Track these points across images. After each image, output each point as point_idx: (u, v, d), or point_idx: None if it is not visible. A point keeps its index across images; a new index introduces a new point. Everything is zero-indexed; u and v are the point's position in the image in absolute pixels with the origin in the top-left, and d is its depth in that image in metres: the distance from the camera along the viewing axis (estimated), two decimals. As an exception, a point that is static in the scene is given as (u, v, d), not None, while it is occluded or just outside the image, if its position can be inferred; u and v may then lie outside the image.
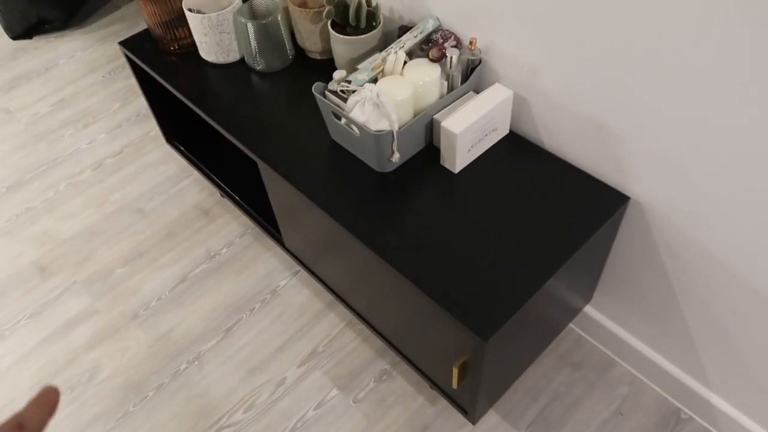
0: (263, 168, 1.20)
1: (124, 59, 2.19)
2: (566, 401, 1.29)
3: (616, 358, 1.34)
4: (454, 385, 1.05)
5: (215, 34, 1.28)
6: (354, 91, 1.06)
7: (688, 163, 0.92)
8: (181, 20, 1.34)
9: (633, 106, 0.93)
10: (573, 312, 1.28)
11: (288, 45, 1.31)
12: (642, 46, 0.86)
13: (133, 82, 2.11)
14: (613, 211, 1.03)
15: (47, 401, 0.38)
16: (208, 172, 1.60)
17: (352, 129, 1.09)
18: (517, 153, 1.13)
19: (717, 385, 1.16)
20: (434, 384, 1.20)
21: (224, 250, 1.62)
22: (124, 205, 1.74)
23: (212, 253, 1.61)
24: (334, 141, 1.18)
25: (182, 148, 1.67)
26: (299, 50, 1.37)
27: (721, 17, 0.75)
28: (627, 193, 1.05)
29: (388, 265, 1.00)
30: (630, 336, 1.27)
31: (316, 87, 1.11)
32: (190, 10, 1.29)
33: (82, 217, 1.72)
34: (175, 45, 1.39)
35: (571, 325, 1.40)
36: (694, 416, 1.24)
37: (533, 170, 1.10)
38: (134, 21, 2.37)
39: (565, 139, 1.09)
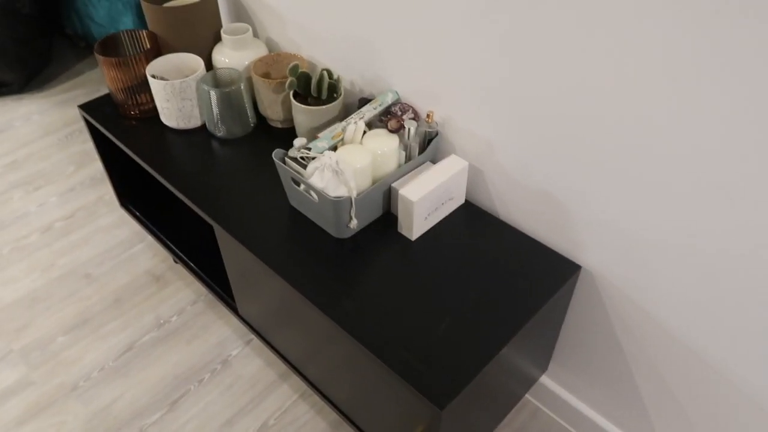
0: (219, 232, 1.19)
1: (81, 123, 2.18)
2: (524, 476, 1.26)
3: (573, 430, 1.33)
4: (410, 458, 1.02)
5: (177, 101, 1.29)
6: (314, 158, 1.08)
7: (635, 232, 0.96)
8: (143, 86, 1.35)
9: (580, 178, 0.98)
10: (529, 382, 1.28)
11: (250, 113, 1.33)
12: (590, 120, 0.91)
13: (89, 146, 2.09)
14: (565, 280, 1.05)
15: None
16: (162, 237, 1.57)
17: (311, 195, 1.10)
18: (473, 222, 1.15)
19: (671, 458, 1.16)
20: (389, 458, 1.16)
21: (174, 318, 1.57)
22: (71, 270, 1.68)
23: (162, 321, 1.56)
24: (293, 207, 1.19)
25: (136, 212, 1.64)
26: (261, 118, 1.39)
27: (661, 81, 0.81)
28: (579, 263, 1.08)
29: (344, 332, 0.98)
30: (585, 406, 1.27)
31: (276, 153, 1.12)
32: (153, 76, 1.30)
33: (26, 282, 1.65)
34: (136, 110, 1.39)
35: (528, 396, 1.39)
36: (651, 491, 1.23)
37: (488, 239, 1.12)
38: (95, 87, 2.37)
39: (519, 209, 1.12)
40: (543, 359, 1.24)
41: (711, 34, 0.72)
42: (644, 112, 0.83)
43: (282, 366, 1.46)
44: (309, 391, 1.41)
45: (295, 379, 1.43)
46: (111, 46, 1.39)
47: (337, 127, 1.13)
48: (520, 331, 0.98)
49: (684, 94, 0.78)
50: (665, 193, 0.88)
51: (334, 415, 1.36)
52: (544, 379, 1.32)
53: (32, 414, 1.36)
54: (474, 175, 1.16)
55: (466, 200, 1.19)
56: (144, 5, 1.34)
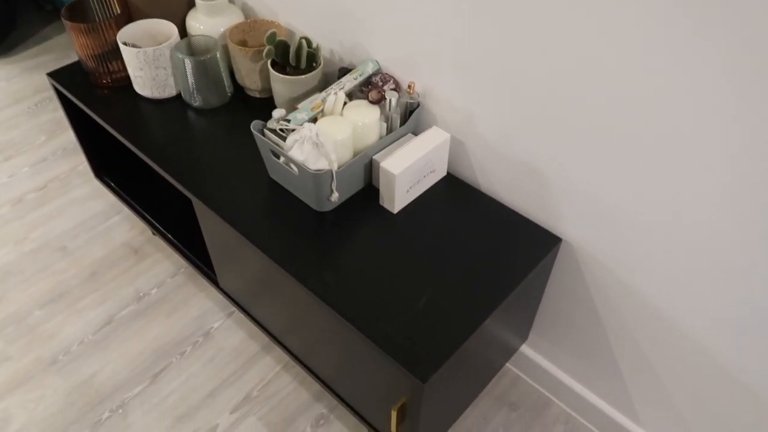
0: (198, 205, 1.17)
1: (51, 91, 2.11)
2: (503, 442, 1.29)
3: (552, 397, 1.35)
4: (393, 429, 1.03)
5: (151, 69, 1.25)
6: (293, 130, 1.06)
7: (614, 205, 0.96)
8: (115, 53, 1.31)
9: (561, 150, 0.97)
10: (510, 351, 1.29)
11: (227, 82, 1.30)
12: (569, 92, 0.90)
13: (60, 114, 2.03)
14: (546, 252, 1.05)
15: None
16: (139, 209, 1.54)
17: (290, 168, 1.08)
18: (455, 194, 1.15)
19: (645, 421, 1.19)
20: (373, 428, 1.18)
21: (154, 291, 1.55)
22: (45, 243, 1.65)
23: (141, 294, 1.54)
24: (272, 179, 1.17)
25: (112, 183, 1.60)
26: (238, 87, 1.35)
27: (641, 53, 0.80)
28: (560, 235, 1.08)
29: (325, 305, 0.98)
30: (564, 375, 1.30)
31: (254, 125, 1.10)
32: (125, 43, 1.26)
33: (-2, 255, 1.62)
34: (108, 78, 1.35)
35: (508, 365, 1.41)
36: (626, 453, 1.27)
37: (470, 212, 1.12)
38: (64, 53, 2.29)
39: (501, 181, 1.12)
40: (524, 329, 1.26)
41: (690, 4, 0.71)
42: (625, 84, 0.82)
43: (264, 338, 1.46)
44: (291, 362, 1.41)
45: (278, 351, 1.43)
46: (79, 11, 1.34)
47: (317, 98, 1.11)
48: (502, 303, 0.98)
49: (664, 67, 0.77)
50: (645, 166, 0.88)
51: (316, 386, 1.37)
52: (524, 348, 1.34)
53: (10, 388, 1.35)
54: (456, 147, 1.15)
55: (447, 172, 1.19)
56: (113, -32, 1.28)
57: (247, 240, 1.07)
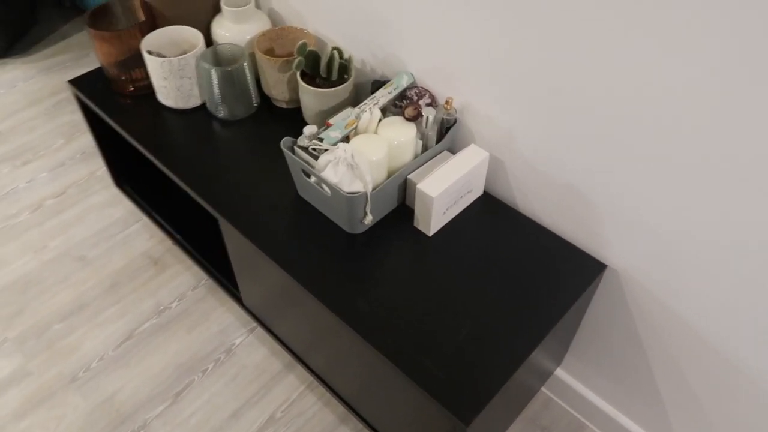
0: (224, 224, 1.12)
1: (69, 92, 2.07)
2: (537, 470, 1.24)
3: (586, 422, 1.30)
4: (428, 463, 0.98)
5: (176, 79, 1.20)
6: (326, 150, 1.01)
7: (663, 229, 0.90)
8: (138, 60, 1.26)
9: (607, 171, 0.91)
10: (546, 376, 1.24)
11: (253, 92, 1.25)
12: (617, 114, 0.84)
13: (78, 117, 1.99)
14: (590, 281, 1.00)
15: None
16: (159, 219, 1.50)
17: (322, 188, 1.03)
18: (492, 216, 1.09)
19: (689, 455, 1.14)
20: (402, 457, 1.13)
21: (175, 304, 1.51)
22: (64, 252, 1.61)
23: (161, 307, 1.50)
24: (301, 197, 1.12)
25: (132, 191, 1.56)
26: (264, 97, 1.30)
27: (701, 74, 0.74)
28: (603, 261, 1.03)
29: (358, 336, 0.93)
30: (598, 398, 1.24)
31: (284, 142, 1.05)
32: (149, 52, 1.21)
33: (18, 264, 1.58)
34: (131, 86, 1.30)
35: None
36: (666, 485, 1.21)
37: (509, 234, 1.06)
38: (82, 52, 2.25)
39: (541, 203, 1.06)
40: (560, 353, 1.21)
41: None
42: (678, 105, 0.76)
43: (287, 356, 1.41)
44: (315, 382, 1.37)
45: (301, 370, 1.39)
46: (102, 17, 1.29)
47: (350, 114, 1.06)
48: (547, 336, 0.93)
49: (726, 89, 0.71)
50: (696, 189, 0.82)
51: (342, 408, 1.33)
52: (558, 371, 1.29)
53: (31, 407, 1.32)
54: (493, 165, 1.09)
55: (484, 191, 1.13)
56: (136, -27, 1.23)
57: (276, 263, 1.02)
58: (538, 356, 0.99)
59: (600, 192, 0.95)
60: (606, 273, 1.04)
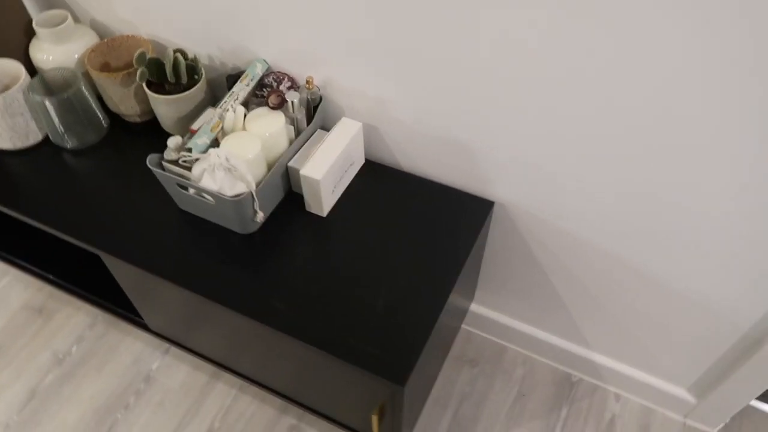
0: (107, 258, 1.06)
1: None
2: (473, 399, 1.33)
3: (506, 344, 1.41)
4: (375, 431, 1.02)
5: (6, 119, 1.08)
6: (197, 159, 0.96)
7: (535, 164, 0.97)
8: (-47, 107, 1.12)
9: (478, 118, 0.96)
10: (463, 315, 1.32)
11: (100, 113, 1.15)
12: (470, 66, 0.88)
13: None
14: (483, 219, 1.06)
15: None
16: (31, 267, 1.38)
17: (205, 198, 0.99)
18: (379, 181, 1.12)
19: (596, 345, 1.27)
20: (349, 428, 1.17)
21: (74, 348, 1.41)
22: (-72, 330, 1.44)
23: (60, 355, 1.40)
24: (183, 210, 1.07)
25: (-11, 246, 1.41)
26: (113, 115, 1.21)
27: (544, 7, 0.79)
28: (490, 198, 1.09)
29: (281, 333, 0.93)
30: (513, 320, 1.35)
31: (150, 160, 0.99)
32: (-36, 95, 1.07)
33: None
34: (-47, 136, 1.15)
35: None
36: (583, 376, 1.36)
37: (399, 195, 1.09)
38: None
39: (422, 158, 1.10)
40: (471, 291, 1.28)
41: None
42: (527, 43, 0.81)
43: (210, 366, 1.38)
44: (246, 383, 1.35)
45: (229, 376, 1.37)
46: None
47: (213, 116, 1.01)
48: (457, 281, 0.98)
49: (564, 16, 0.77)
50: (555, 120, 0.89)
51: (279, 401, 1.33)
52: (473, 306, 1.37)
53: (-58, 505, 1.20)
54: (370, 133, 1.11)
55: (366, 159, 1.15)
56: None
57: (175, 284, 0.98)
58: (453, 300, 1.05)
59: (472, 137, 1.00)
60: (495, 209, 1.11)
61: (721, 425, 1.27)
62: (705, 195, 0.87)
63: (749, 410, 1.29)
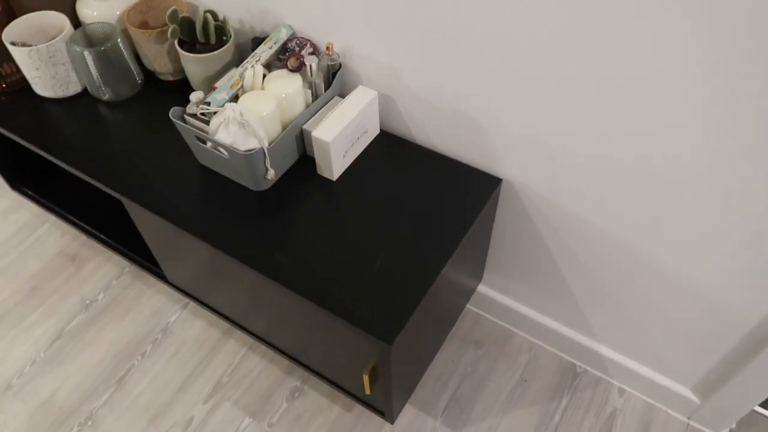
0: (129, 205, 1.12)
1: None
2: (474, 380, 1.33)
3: (513, 329, 1.41)
4: (367, 391, 1.05)
5: (48, 67, 1.16)
6: (215, 113, 1.01)
7: (544, 142, 0.97)
8: (3, 55, 1.20)
9: (489, 93, 0.97)
10: (468, 294, 1.33)
11: (135, 69, 1.22)
12: (489, 35, 0.89)
13: (-41, 125, 1.87)
14: (489, 195, 1.07)
15: None
16: (68, 215, 1.47)
17: (220, 152, 1.04)
18: (391, 151, 1.14)
19: (602, 336, 1.26)
20: (348, 393, 1.19)
21: (101, 296, 1.50)
22: (-28, 266, 1.55)
23: (88, 301, 1.49)
24: (203, 165, 1.12)
25: (32, 193, 1.51)
26: (148, 73, 1.28)
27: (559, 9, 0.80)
28: (498, 175, 1.10)
29: (280, 286, 0.97)
30: (521, 305, 1.34)
31: (173, 112, 1.04)
32: (13, 43, 1.16)
33: (-77, 288, 1.51)
34: (2, 84, 1.24)
35: (467, 305, 1.45)
36: (588, 368, 1.34)
37: (409, 166, 1.11)
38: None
39: (434, 131, 1.11)
40: (478, 270, 1.29)
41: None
42: (543, 19, 0.82)
43: (224, 324, 1.44)
44: (257, 343, 1.40)
45: (241, 334, 1.42)
46: (-46, 14, 1.21)
47: (234, 74, 1.06)
48: (454, 252, 0.99)
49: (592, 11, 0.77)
50: (569, 101, 0.88)
51: (286, 362, 1.37)
52: (481, 288, 1.38)
53: (-32, 424, 1.30)
54: (385, 103, 1.13)
55: (381, 130, 1.17)
56: (-18, -39, 1.16)
57: (188, 233, 1.03)
58: (452, 272, 1.06)
59: (483, 112, 1.01)
60: (503, 186, 1.11)
61: (726, 430, 1.23)
62: (720, 187, 0.85)
63: (756, 417, 1.25)
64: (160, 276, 1.37)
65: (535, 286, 1.27)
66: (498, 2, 0.84)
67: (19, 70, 1.24)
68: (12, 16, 1.19)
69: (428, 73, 1.01)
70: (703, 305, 1.03)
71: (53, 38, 1.17)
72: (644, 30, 0.75)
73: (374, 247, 1.00)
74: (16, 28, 1.17)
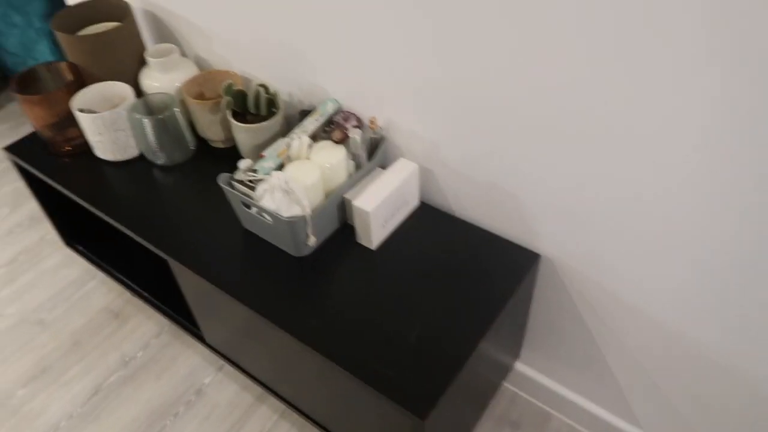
0: (174, 264, 1.15)
1: (8, 162, 2.07)
2: (510, 462, 1.28)
3: (552, 411, 1.35)
4: (398, 467, 1.01)
5: (110, 133, 1.23)
6: (261, 180, 1.05)
7: (585, 217, 0.97)
8: (71, 120, 1.29)
9: (527, 167, 0.98)
10: (505, 371, 1.29)
11: (188, 136, 1.29)
12: (524, 112, 0.91)
13: (21, 184, 1.99)
14: (527, 270, 1.06)
15: None
16: (115, 272, 1.52)
17: (264, 217, 1.07)
18: (430, 223, 1.15)
19: (645, 424, 1.19)
20: (377, 467, 1.16)
21: (140, 354, 1.52)
22: (22, 318, 1.60)
23: (127, 358, 1.51)
24: (247, 230, 1.16)
25: (83, 249, 1.57)
26: (201, 140, 1.34)
27: (604, 69, 0.81)
28: (537, 251, 1.09)
29: (314, 351, 0.97)
30: (560, 386, 1.30)
31: (221, 178, 1.09)
32: (80, 110, 1.24)
33: (-26, 337, 1.57)
34: (67, 146, 1.33)
35: (505, 383, 1.41)
36: (632, 457, 1.27)
37: (447, 238, 1.12)
38: (19, 120, 2.25)
39: (473, 205, 1.12)
40: (515, 347, 1.26)
41: None
42: (581, 100, 0.83)
43: (258, 388, 1.43)
44: (288, 410, 1.39)
45: (273, 400, 1.41)
46: (30, 81, 1.32)
47: (281, 144, 1.10)
48: (491, 328, 0.98)
49: (620, 70, 0.78)
50: (611, 181, 0.89)
51: (316, 430, 1.35)
52: (519, 365, 1.34)
53: (1, 477, 1.30)
54: (425, 176, 1.15)
55: (420, 201, 1.19)
56: (59, 35, 1.27)
57: (228, 294, 1.05)
58: (488, 348, 1.04)
59: (521, 187, 1.02)
60: (542, 262, 1.10)
61: None
62: None
63: None
64: (198, 336, 1.38)
65: (576, 367, 1.23)
66: (537, 83, 0.86)
67: (82, 135, 1.32)
68: (82, 85, 1.28)
69: (466, 147, 1.04)
70: (762, 398, 0.98)
71: (116, 106, 1.25)
72: (694, 112, 0.76)
73: (410, 318, 1.00)
74: (84, 97, 1.26)
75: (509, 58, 0.87)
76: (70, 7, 1.32)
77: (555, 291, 1.13)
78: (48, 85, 1.34)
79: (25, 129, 2.21)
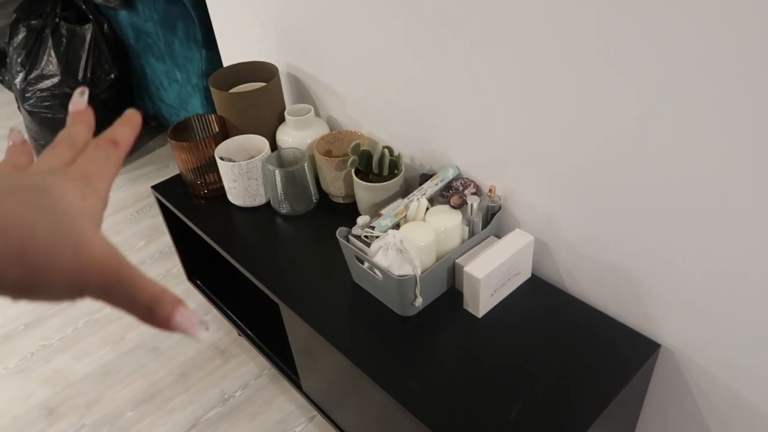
0: (284, 309, 1.20)
1: (151, 198, 2.29)
2: None
3: None
4: None
5: (244, 180, 1.34)
6: (377, 237, 1.08)
7: (718, 310, 0.90)
8: (211, 166, 1.41)
9: (652, 251, 0.94)
10: (608, 467, 1.20)
11: (313, 190, 1.36)
12: (653, 192, 0.88)
13: (159, 220, 2.18)
14: (645, 360, 0.99)
15: (132, 121, 0.39)
16: (227, 310, 1.60)
17: (375, 273, 1.09)
18: (541, 297, 1.12)
19: None
20: None
21: (239, 393, 1.57)
22: (140, 344, 1.72)
23: (226, 396, 1.56)
24: (357, 284, 1.19)
25: (202, 285, 1.68)
26: (323, 194, 1.42)
27: (730, 160, 0.78)
28: (657, 340, 1.02)
29: (412, 416, 0.96)
30: (672, 495, 1.18)
31: (340, 232, 1.13)
32: (221, 158, 1.36)
33: (98, 355, 1.70)
34: (205, 189, 1.45)
35: (605, 480, 1.30)
36: None
37: (558, 315, 1.08)
38: (164, 163, 2.50)
39: (589, 284, 1.08)
40: (622, 442, 1.17)
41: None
42: (715, 184, 0.80)
43: (346, 444, 1.42)
44: (374, 471, 1.36)
45: (360, 459, 1.39)
46: (182, 130, 1.47)
47: (400, 204, 1.14)
48: (599, 416, 0.92)
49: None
50: (742, 267, 0.83)
51: (400, 499, 1.31)
52: (624, 463, 1.24)
53: (101, 492, 1.37)
54: (539, 249, 1.14)
55: (532, 274, 1.17)
56: (213, 92, 1.41)
57: (331, 344, 1.08)
58: (594, 439, 0.97)
59: (646, 273, 0.97)
60: (661, 353, 1.03)
61: None
62: None
63: None
64: (295, 383, 1.41)
65: (690, 475, 1.12)
66: (665, 162, 0.84)
67: (220, 180, 1.44)
68: (226, 136, 1.41)
69: (588, 225, 1.01)
70: None
71: (253, 157, 1.35)
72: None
73: (512, 393, 0.96)
74: (226, 146, 1.39)
75: (659, 144, 0.86)
76: (226, 67, 1.48)
77: (672, 383, 1.04)
78: (197, 134, 1.49)
79: (169, 171, 2.44)
